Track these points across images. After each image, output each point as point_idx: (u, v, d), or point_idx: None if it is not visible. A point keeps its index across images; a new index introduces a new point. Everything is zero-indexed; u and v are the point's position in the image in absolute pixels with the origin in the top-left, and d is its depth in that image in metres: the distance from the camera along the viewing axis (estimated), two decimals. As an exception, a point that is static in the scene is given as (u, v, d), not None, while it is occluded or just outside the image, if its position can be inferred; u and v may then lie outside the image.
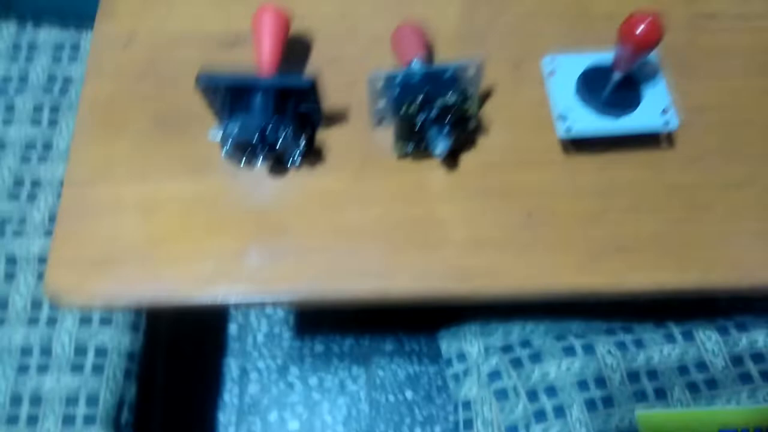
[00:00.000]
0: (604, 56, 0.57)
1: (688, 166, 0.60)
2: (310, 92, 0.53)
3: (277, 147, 0.52)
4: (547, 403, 0.73)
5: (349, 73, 0.63)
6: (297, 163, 0.56)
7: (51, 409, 0.76)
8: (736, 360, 0.75)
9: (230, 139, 0.50)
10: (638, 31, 0.48)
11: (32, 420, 0.75)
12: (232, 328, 1.22)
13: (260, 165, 0.54)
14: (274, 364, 1.19)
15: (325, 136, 0.60)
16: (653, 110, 0.55)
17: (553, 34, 0.66)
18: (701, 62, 0.65)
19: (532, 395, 0.74)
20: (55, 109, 0.90)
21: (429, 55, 0.63)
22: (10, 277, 0.82)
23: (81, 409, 0.76)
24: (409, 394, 1.18)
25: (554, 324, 0.84)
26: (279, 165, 0.58)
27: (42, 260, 0.82)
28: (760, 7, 0.69)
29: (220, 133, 0.51)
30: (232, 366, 1.19)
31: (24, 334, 0.79)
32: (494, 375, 0.76)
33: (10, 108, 0.91)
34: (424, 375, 1.20)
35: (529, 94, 0.62)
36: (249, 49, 0.60)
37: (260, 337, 1.21)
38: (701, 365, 0.75)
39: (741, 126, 0.62)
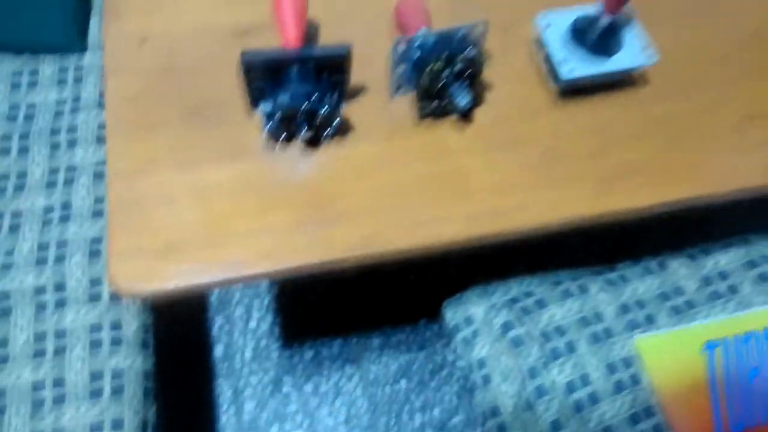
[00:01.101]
0: (587, 8, 0.65)
1: (664, 99, 0.69)
2: (344, 61, 0.57)
3: (321, 114, 0.55)
4: (559, 342, 0.79)
5: (356, 51, 0.67)
6: (334, 132, 0.59)
7: (76, 440, 0.72)
8: (705, 281, 0.85)
9: (281, 110, 0.53)
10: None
11: (58, 455, 0.71)
12: (218, 350, 1.20)
13: (303, 135, 0.56)
14: (266, 377, 1.18)
15: (347, 108, 0.64)
16: (635, 49, 0.64)
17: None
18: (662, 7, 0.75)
19: (545, 337, 0.79)
20: (24, 137, 0.87)
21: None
22: (6, 313, 0.78)
23: (107, 436, 0.73)
24: (403, 383, 1.21)
25: (547, 275, 0.91)
26: (311, 142, 0.61)
27: (39, 293, 0.79)
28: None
29: (270, 105, 0.54)
30: (224, 387, 1.16)
31: (32, 369, 0.75)
32: (507, 325, 0.81)
33: (-27, 141, 0.87)
34: (414, 362, 1.23)
35: (520, 53, 0.70)
36: (262, 37, 0.64)
37: (248, 354, 1.20)
38: (678, 290, 0.84)
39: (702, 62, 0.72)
